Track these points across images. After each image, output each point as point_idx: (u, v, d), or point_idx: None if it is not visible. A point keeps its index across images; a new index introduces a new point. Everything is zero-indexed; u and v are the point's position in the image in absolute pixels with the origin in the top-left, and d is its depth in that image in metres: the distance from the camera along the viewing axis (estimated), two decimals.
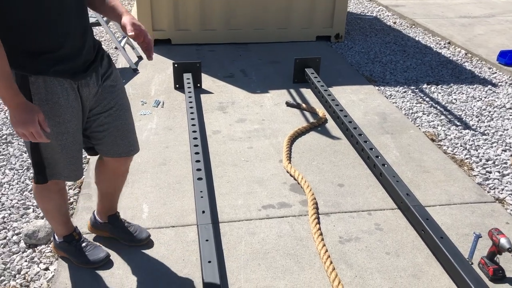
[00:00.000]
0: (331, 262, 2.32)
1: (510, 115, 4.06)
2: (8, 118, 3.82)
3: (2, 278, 2.32)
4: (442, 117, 4.02)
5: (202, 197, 2.68)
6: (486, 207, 2.80)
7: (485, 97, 4.42)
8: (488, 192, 3.02)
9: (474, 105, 4.25)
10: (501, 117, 4.03)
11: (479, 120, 3.97)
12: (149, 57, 1.89)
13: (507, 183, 3.11)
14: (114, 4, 1.92)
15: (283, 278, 2.26)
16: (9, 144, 3.51)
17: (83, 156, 2.62)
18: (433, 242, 2.40)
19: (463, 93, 4.50)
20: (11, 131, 3.68)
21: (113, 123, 2.02)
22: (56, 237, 2.32)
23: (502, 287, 2.22)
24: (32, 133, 1.67)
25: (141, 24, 1.86)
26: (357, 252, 2.44)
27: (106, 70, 1.97)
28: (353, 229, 2.60)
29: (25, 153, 3.40)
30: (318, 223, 2.63)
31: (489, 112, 4.12)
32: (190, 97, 3.86)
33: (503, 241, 2.21)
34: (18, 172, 3.18)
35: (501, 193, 3.01)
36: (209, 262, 2.21)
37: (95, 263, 2.28)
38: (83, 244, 2.31)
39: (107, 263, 2.30)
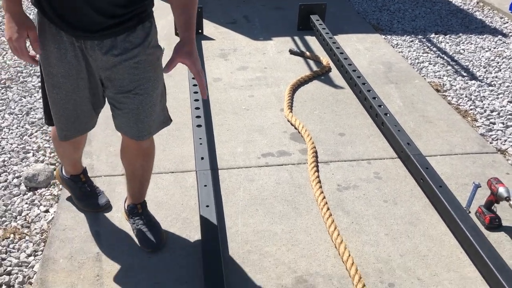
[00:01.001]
0: (328, 209, 2.33)
1: None
2: (7, 62, 3.77)
3: (4, 219, 2.35)
4: (449, 67, 3.93)
5: (201, 143, 2.67)
6: (488, 157, 2.78)
7: (494, 48, 4.30)
8: (491, 143, 2.99)
9: (483, 56, 4.14)
10: (509, 68, 3.93)
11: (487, 71, 3.88)
12: (203, 96, 1.77)
13: (510, 134, 3.07)
14: (186, 19, 1.68)
15: (280, 223, 2.28)
16: (8, 89, 3.48)
17: None
18: (431, 190, 2.39)
19: (471, 43, 4.37)
20: (10, 75, 3.64)
21: (130, 106, 1.78)
22: (64, 172, 2.30)
23: (497, 236, 2.23)
24: (15, 47, 1.57)
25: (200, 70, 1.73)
26: (355, 199, 2.45)
27: (133, 48, 1.67)
28: (352, 178, 2.60)
29: (24, 98, 3.38)
30: (317, 171, 2.63)
31: (498, 63, 4.02)
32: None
33: (501, 190, 2.20)
34: (18, 117, 3.17)
35: (504, 144, 2.98)
36: (207, 206, 2.23)
37: (94, 207, 2.29)
38: (88, 188, 2.29)
39: (106, 209, 2.30)
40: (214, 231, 2.09)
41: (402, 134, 2.76)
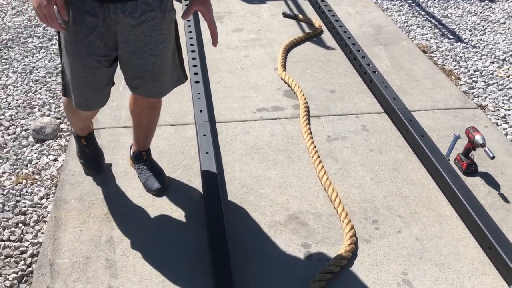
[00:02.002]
0: (318, 157, 2.52)
1: (503, 30, 4.11)
2: (7, 23, 3.86)
3: (15, 167, 2.51)
4: (436, 30, 4.07)
5: (199, 98, 2.82)
6: (468, 112, 2.96)
7: (480, 12, 4.44)
8: (472, 99, 3.17)
9: (469, 20, 4.28)
10: (494, 31, 4.09)
11: (472, 34, 4.04)
12: (214, 43, 1.86)
13: (490, 92, 3.25)
14: None
15: (274, 169, 2.47)
16: (9, 49, 3.59)
17: None
18: (414, 140, 2.58)
19: (459, 8, 4.51)
20: (11, 36, 3.74)
21: (146, 66, 1.86)
22: (72, 129, 2.35)
23: (473, 180, 2.44)
24: (45, 14, 1.59)
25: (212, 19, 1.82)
26: (343, 149, 2.63)
27: (151, 10, 1.73)
28: (341, 130, 2.78)
29: (27, 58, 3.49)
30: (309, 124, 2.80)
31: (483, 26, 4.17)
32: (186, 5, 3.87)
33: (477, 137, 2.39)
34: (21, 75, 3.29)
35: (484, 101, 3.16)
36: (207, 153, 2.40)
37: (89, 169, 2.34)
38: (87, 150, 2.31)
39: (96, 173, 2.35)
40: (213, 175, 2.27)
41: (388, 90, 2.93)
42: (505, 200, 2.32)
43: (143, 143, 2.32)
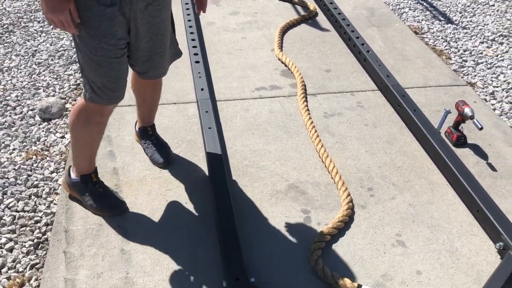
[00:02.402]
0: (315, 131, 2.63)
1: (492, 12, 4.23)
2: (6, 9, 3.91)
3: (24, 144, 2.60)
4: (427, 12, 4.18)
5: (200, 77, 2.92)
6: (459, 89, 3.09)
7: None
8: (462, 77, 3.29)
9: (459, 2, 4.39)
10: (483, 13, 4.20)
11: (462, 15, 4.15)
12: (198, 11, 2.03)
13: (480, 70, 3.38)
14: None
15: (274, 143, 2.58)
16: (11, 33, 3.65)
17: None
18: (407, 114, 2.70)
19: None
20: (12, 21, 3.80)
21: (154, 46, 1.92)
22: (72, 174, 2.12)
23: (463, 151, 2.57)
24: (61, 21, 1.63)
25: None
26: (339, 124, 2.75)
27: None
28: (337, 106, 2.89)
29: (28, 41, 3.56)
30: (306, 101, 2.91)
31: (473, 8, 4.28)
32: None
33: (466, 110, 2.52)
34: (24, 57, 3.36)
35: (473, 79, 3.29)
36: (209, 128, 2.51)
37: (109, 208, 2.10)
38: (99, 189, 2.12)
39: (123, 211, 2.12)
40: (216, 149, 2.38)
41: (382, 68, 3.05)
42: (493, 169, 2.46)
43: (147, 118, 2.42)
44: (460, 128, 2.63)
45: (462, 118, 2.56)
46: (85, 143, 2.04)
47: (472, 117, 2.49)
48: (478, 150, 2.58)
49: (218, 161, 2.29)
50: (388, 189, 2.31)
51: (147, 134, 2.43)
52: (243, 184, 2.31)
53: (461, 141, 2.59)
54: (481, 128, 2.45)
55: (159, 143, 2.43)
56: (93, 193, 2.11)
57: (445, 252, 2.01)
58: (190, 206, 2.17)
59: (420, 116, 2.64)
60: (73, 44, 3.37)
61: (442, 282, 1.89)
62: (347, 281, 1.82)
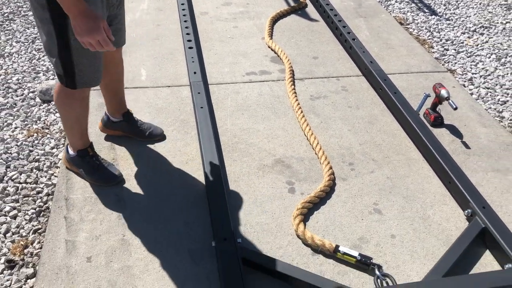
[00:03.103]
0: (302, 112, 2.79)
1: (475, 5, 4.40)
2: None
3: (26, 122, 2.75)
4: (413, 5, 4.35)
5: (193, 61, 3.07)
6: (439, 75, 3.26)
7: None
8: (443, 65, 3.46)
9: None
10: (466, 6, 4.38)
11: (446, 8, 4.32)
12: None
13: (460, 58, 3.55)
14: None
15: (262, 123, 2.74)
16: (11, 21, 3.79)
17: None
18: (388, 97, 2.87)
19: None
20: (12, 10, 3.93)
21: (121, 15, 2.07)
22: (70, 150, 2.26)
23: (439, 131, 2.73)
24: (98, 41, 1.63)
25: None
26: (324, 106, 2.91)
27: None
28: (323, 90, 3.05)
29: (28, 29, 3.70)
30: (293, 85, 3.07)
31: (457, 1, 4.45)
32: None
33: (443, 92, 2.68)
34: (24, 44, 3.50)
35: (454, 66, 3.46)
36: (201, 107, 2.66)
37: (108, 180, 2.25)
38: (96, 162, 2.25)
39: (119, 182, 2.26)
40: (208, 127, 2.53)
41: (366, 55, 3.21)
42: (467, 146, 2.63)
43: (124, 101, 2.47)
44: (437, 109, 2.79)
45: (439, 99, 2.73)
46: (73, 120, 2.12)
47: (448, 98, 2.66)
48: (454, 130, 2.75)
49: (209, 136, 2.44)
50: (368, 164, 2.47)
51: (132, 117, 2.49)
52: (233, 158, 2.47)
53: (438, 121, 2.76)
54: (455, 108, 2.62)
55: (146, 123, 2.55)
56: (90, 166, 2.24)
57: (418, 219, 2.18)
58: (183, 177, 2.33)
59: (400, 98, 2.81)
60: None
61: (414, 245, 2.06)
62: (326, 242, 1.97)
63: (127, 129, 2.50)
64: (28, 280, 1.92)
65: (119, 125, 2.49)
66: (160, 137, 2.54)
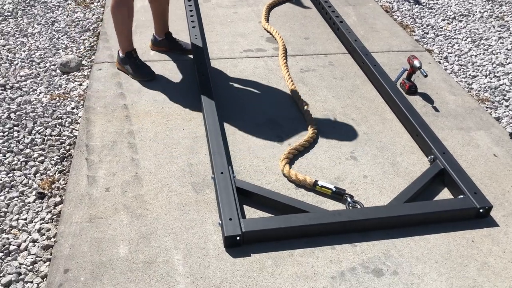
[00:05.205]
0: (292, 81, 3.16)
1: None
2: None
3: (49, 89, 3.12)
4: None
5: (196, 38, 3.45)
6: (417, 53, 3.62)
7: None
8: (422, 45, 3.83)
9: None
10: None
11: None
12: None
13: (438, 41, 3.91)
14: None
15: (257, 89, 3.10)
16: (32, 7, 4.18)
17: None
18: (368, 68, 3.23)
19: None
20: None
21: None
22: (120, 53, 3.10)
23: (413, 98, 3.09)
24: None
25: None
26: (312, 77, 3.27)
27: None
28: (312, 64, 3.42)
29: (47, 14, 4.09)
30: (286, 60, 3.44)
31: None
32: None
33: (416, 62, 3.05)
34: (45, 26, 3.89)
35: (432, 47, 3.82)
36: (203, 75, 3.03)
37: (146, 75, 3.09)
38: (138, 62, 3.10)
39: (154, 77, 3.10)
40: (209, 90, 2.89)
41: (351, 34, 3.58)
42: (436, 110, 2.99)
43: (167, 24, 3.38)
44: (412, 79, 3.16)
45: (412, 69, 3.09)
46: (122, 23, 2.94)
47: (419, 68, 3.02)
48: (426, 97, 3.11)
49: (209, 98, 2.81)
50: (348, 122, 2.83)
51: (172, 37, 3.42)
52: (230, 117, 2.83)
53: (412, 90, 3.12)
54: (425, 76, 2.98)
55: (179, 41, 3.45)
56: (134, 64, 3.09)
57: (388, 164, 2.53)
58: (186, 130, 2.69)
59: (378, 69, 3.17)
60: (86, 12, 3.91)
61: (383, 183, 2.41)
62: (307, 177, 2.33)
63: (168, 45, 3.40)
64: (56, 207, 2.29)
65: (162, 42, 3.39)
66: (190, 51, 3.38)
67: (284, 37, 3.76)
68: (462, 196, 2.25)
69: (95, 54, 3.45)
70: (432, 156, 2.49)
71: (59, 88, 3.15)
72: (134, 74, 3.10)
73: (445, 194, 2.37)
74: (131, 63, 3.09)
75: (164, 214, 2.17)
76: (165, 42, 3.39)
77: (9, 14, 4.03)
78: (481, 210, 2.18)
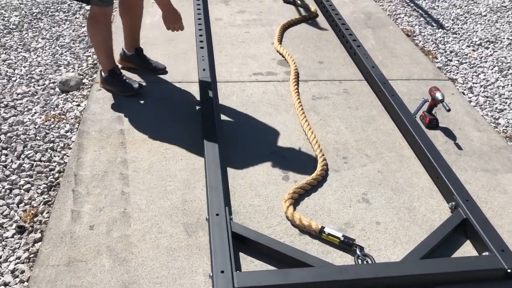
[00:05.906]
0: (302, 110, 2.94)
1: (483, 21, 4.51)
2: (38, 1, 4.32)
3: (45, 109, 2.96)
4: (421, 19, 4.49)
5: (203, 60, 3.26)
6: (440, 83, 3.37)
7: (465, 6, 4.85)
8: (445, 74, 3.57)
9: (453, 12, 4.69)
10: (474, 22, 4.49)
11: (454, 23, 4.44)
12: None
13: (462, 69, 3.65)
14: None
15: (264, 118, 2.89)
16: (39, 20, 4.06)
17: None
18: (386, 99, 2.99)
19: (446, 1, 4.91)
20: (40, 10, 4.21)
21: None
22: (103, 73, 2.96)
23: (434, 132, 2.84)
24: (179, 26, 2.74)
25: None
26: (325, 105, 3.05)
27: None
28: (325, 91, 3.19)
29: (53, 28, 3.96)
30: (297, 85, 3.22)
31: (465, 17, 4.57)
32: None
33: (438, 94, 2.80)
34: (49, 41, 3.75)
35: (455, 76, 3.57)
36: (207, 100, 2.83)
37: (132, 90, 2.95)
38: (123, 77, 2.98)
39: (140, 90, 2.97)
40: (211, 117, 2.69)
41: (369, 60, 3.35)
42: (459, 147, 2.73)
43: (139, 39, 3.19)
44: (433, 112, 2.90)
45: (434, 102, 2.84)
46: (100, 41, 2.80)
47: (442, 101, 2.77)
48: (448, 133, 2.85)
49: (212, 126, 2.60)
50: (361, 159, 2.59)
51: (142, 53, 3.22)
52: (233, 148, 2.61)
53: (433, 124, 2.86)
54: (448, 110, 2.73)
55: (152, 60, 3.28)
56: (118, 80, 2.95)
57: (404, 209, 2.28)
58: (184, 161, 2.48)
59: (397, 100, 2.93)
60: None
61: (397, 232, 2.16)
62: (312, 223, 2.10)
63: (137, 62, 3.20)
64: (35, 244, 2.09)
65: (132, 58, 3.19)
66: (162, 71, 3.22)
67: (297, 60, 3.54)
68: (487, 253, 1.98)
69: (97, 73, 3.28)
70: (453, 203, 2.24)
71: (56, 109, 2.98)
72: (121, 92, 2.97)
73: (467, 248, 2.11)
74: (115, 81, 2.95)
75: (151, 260, 1.95)
76: (134, 58, 3.19)
77: (15, 27, 3.91)
78: (509, 271, 1.91)
